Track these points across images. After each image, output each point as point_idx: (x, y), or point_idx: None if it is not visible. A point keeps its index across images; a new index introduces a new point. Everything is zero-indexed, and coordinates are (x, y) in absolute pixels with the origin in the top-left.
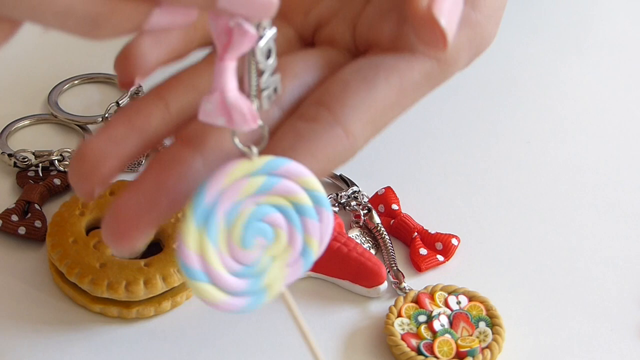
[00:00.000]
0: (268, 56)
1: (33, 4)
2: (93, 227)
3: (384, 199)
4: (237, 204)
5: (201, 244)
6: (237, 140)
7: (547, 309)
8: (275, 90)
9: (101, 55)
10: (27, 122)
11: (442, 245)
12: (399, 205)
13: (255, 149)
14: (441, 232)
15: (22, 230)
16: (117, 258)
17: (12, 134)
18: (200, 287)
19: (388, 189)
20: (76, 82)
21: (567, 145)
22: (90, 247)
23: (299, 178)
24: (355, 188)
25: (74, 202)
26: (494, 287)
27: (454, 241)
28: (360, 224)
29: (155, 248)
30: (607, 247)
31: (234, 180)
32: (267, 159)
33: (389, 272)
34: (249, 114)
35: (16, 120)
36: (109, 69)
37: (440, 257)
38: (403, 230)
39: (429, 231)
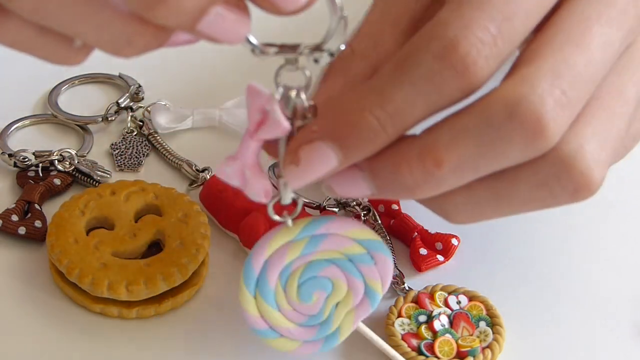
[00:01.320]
0: None
1: (73, 13)
2: (93, 227)
3: (383, 199)
4: (287, 266)
5: (260, 308)
6: (271, 211)
7: (547, 309)
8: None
9: (101, 56)
10: (27, 122)
11: (442, 245)
12: (399, 205)
13: (289, 218)
14: (441, 232)
15: (22, 230)
16: (118, 258)
17: (12, 134)
18: (275, 342)
19: None
20: (76, 82)
21: None
22: (90, 247)
23: (345, 231)
24: None
25: (74, 202)
26: (494, 287)
27: (454, 241)
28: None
29: (156, 248)
30: (607, 247)
31: (276, 248)
32: (305, 223)
33: None
34: (263, 192)
35: (16, 120)
36: (109, 69)
37: (440, 257)
38: (403, 230)
39: (429, 231)
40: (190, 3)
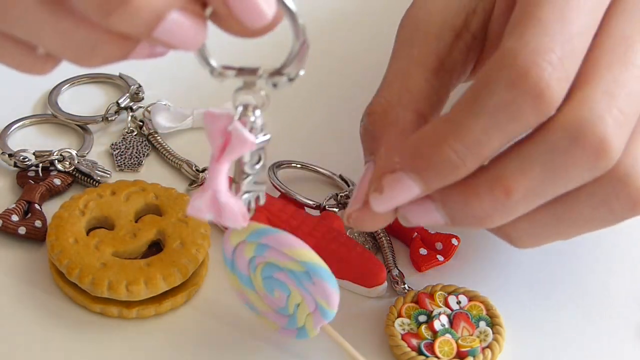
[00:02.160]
0: (257, 162)
1: (36, 20)
2: (93, 227)
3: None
4: (251, 259)
5: (239, 286)
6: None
7: (547, 309)
8: (257, 199)
9: None
10: (27, 122)
11: (442, 245)
12: None
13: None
14: (441, 232)
15: (22, 230)
16: (118, 258)
17: (12, 134)
18: (260, 318)
19: None
20: (76, 82)
21: None
22: (90, 247)
23: (284, 248)
24: (352, 188)
25: (74, 202)
26: (494, 287)
27: (454, 241)
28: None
29: (156, 248)
30: (607, 247)
31: (236, 243)
32: (251, 228)
33: (389, 272)
34: (240, 215)
35: (16, 120)
36: (109, 69)
37: (440, 257)
38: (403, 231)
39: (429, 231)
40: (147, 9)
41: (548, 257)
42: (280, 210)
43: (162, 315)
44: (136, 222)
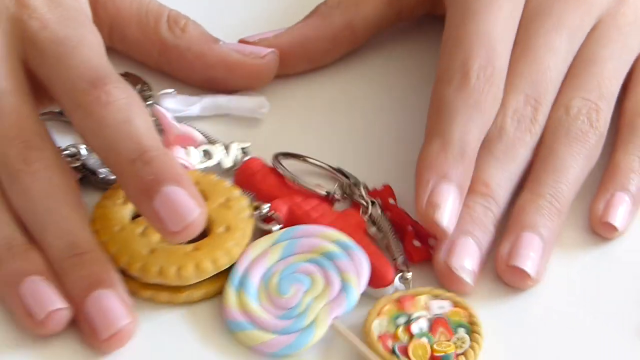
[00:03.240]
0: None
1: None
2: (137, 215)
3: (381, 194)
4: (270, 268)
5: (241, 300)
6: (260, 224)
7: (547, 309)
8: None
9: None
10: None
11: (434, 242)
12: (395, 200)
13: (276, 226)
14: None
15: None
16: (165, 244)
17: None
18: (249, 334)
19: (387, 186)
20: None
21: None
22: (137, 234)
23: (319, 233)
24: (353, 180)
25: (115, 192)
26: (488, 287)
27: None
28: (367, 215)
29: (201, 234)
30: (607, 247)
31: (259, 252)
32: (284, 229)
33: (395, 259)
34: None
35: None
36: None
37: (409, 274)
38: (398, 224)
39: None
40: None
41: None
42: (302, 201)
43: (210, 298)
44: None
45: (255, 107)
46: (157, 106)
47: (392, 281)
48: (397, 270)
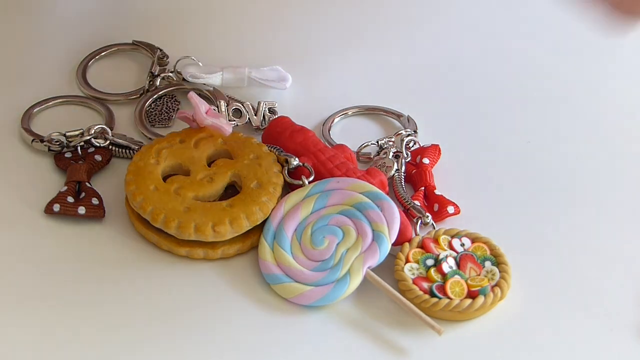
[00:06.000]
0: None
1: None
2: (168, 175)
3: (424, 151)
4: (303, 221)
5: (277, 253)
6: (288, 177)
7: (546, 309)
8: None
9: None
10: (51, 103)
11: (438, 208)
12: (431, 161)
13: (305, 179)
14: (447, 197)
15: (81, 210)
16: (200, 202)
17: (34, 116)
18: (286, 287)
19: (435, 145)
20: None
21: (571, 145)
22: (171, 192)
23: (349, 185)
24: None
25: (147, 152)
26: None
27: (450, 209)
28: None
29: (231, 190)
30: (608, 247)
31: (291, 206)
32: (315, 183)
33: (411, 208)
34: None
35: (37, 103)
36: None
37: (428, 216)
38: (417, 182)
39: (435, 192)
40: None
41: (547, 257)
42: (328, 159)
43: (245, 253)
44: (209, 166)
45: (277, 79)
46: (193, 94)
47: (411, 238)
48: (416, 217)
